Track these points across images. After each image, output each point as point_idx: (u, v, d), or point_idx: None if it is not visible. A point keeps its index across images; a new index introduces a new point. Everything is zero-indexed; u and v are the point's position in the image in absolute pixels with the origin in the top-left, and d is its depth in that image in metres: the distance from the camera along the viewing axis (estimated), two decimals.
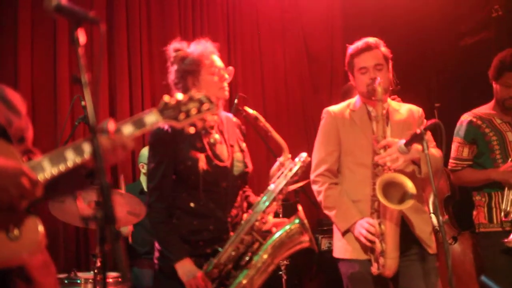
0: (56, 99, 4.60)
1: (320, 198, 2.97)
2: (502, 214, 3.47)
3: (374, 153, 2.81)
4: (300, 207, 2.72)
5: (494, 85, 3.61)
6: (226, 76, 2.72)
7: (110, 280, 3.77)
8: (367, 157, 2.87)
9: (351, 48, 2.99)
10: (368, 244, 2.78)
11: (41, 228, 1.76)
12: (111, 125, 1.78)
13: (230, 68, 2.77)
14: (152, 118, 1.84)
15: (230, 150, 2.75)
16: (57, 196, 2.64)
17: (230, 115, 2.92)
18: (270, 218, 2.72)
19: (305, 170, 2.82)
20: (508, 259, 3.42)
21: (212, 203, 2.67)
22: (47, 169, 1.70)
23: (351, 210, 2.90)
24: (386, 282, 2.86)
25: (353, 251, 2.92)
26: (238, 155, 2.77)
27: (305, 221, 2.66)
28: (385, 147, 2.75)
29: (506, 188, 3.48)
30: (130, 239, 4.32)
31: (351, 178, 2.97)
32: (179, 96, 1.88)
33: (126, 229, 4.26)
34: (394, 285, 2.91)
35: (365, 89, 2.90)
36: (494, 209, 3.55)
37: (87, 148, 1.72)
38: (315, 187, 3.01)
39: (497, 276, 3.44)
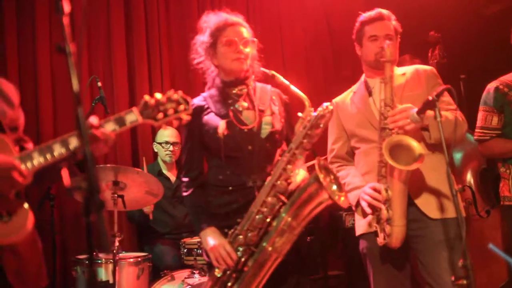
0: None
1: None
2: None
3: (382, 116, 2.72)
4: (317, 161, 2.48)
5: None
6: (243, 48, 2.65)
7: (131, 259, 3.81)
8: (368, 132, 2.83)
9: (363, 16, 2.96)
10: (371, 212, 2.69)
11: (30, 214, 1.98)
12: (95, 120, 1.96)
13: (254, 39, 2.73)
14: (132, 117, 2.02)
15: (258, 114, 2.67)
16: (47, 182, 2.86)
17: (268, 86, 2.83)
18: (298, 178, 2.59)
19: None
20: None
21: (238, 169, 2.61)
22: (35, 159, 1.90)
23: (357, 181, 2.84)
24: (398, 257, 2.75)
25: (362, 226, 2.86)
26: (267, 118, 2.68)
27: (321, 176, 2.43)
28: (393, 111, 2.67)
29: None
30: (151, 216, 4.33)
31: (358, 156, 2.94)
32: (158, 96, 2.03)
33: (148, 208, 4.26)
34: (407, 259, 2.81)
35: (373, 58, 2.87)
36: None
37: (73, 142, 1.91)
38: None
39: None
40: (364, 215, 2.82)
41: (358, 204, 2.81)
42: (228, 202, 2.62)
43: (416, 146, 2.55)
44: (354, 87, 3.05)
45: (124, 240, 4.47)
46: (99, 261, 3.73)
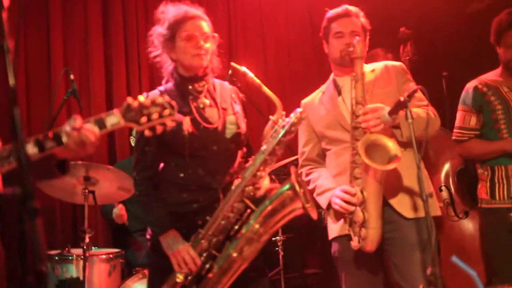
0: (50, 73, 4.52)
1: (308, 186, 2.87)
2: None
3: (353, 115, 2.65)
4: (293, 170, 2.46)
5: (498, 50, 3.40)
6: (203, 43, 2.55)
7: (103, 256, 3.75)
8: (338, 133, 2.76)
9: (330, 13, 2.90)
10: (344, 213, 2.62)
11: None
12: (77, 122, 1.86)
13: (215, 34, 2.62)
14: (113, 120, 1.90)
15: (222, 112, 2.59)
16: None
17: (226, 83, 2.76)
18: (265, 183, 2.54)
19: None
20: (510, 237, 3.19)
21: (201, 169, 2.50)
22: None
23: (328, 183, 2.77)
24: (371, 260, 2.69)
25: (335, 229, 2.79)
26: (231, 118, 2.60)
27: (297, 185, 2.40)
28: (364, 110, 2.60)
29: None
30: (126, 222, 4.26)
31: (329, 158, 2.87)
32: (141, 98, 1.91)
33: (116, 213, 4.20)
34: (379, 263, 2.76)
35: (338, 55, 2.79)
36: (497, 185, 3.30)
37: (48, 144, 1.82)
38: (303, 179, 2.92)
39: (499, 257, 3.28)
40: (336, 218, 2.76)
41: (329, 206, 2.74)
42: (187, 201, 2.51)
43: (392, 146, 2.50)
44: (323, 87, 2.97)
45: (98, 236, 4.42)
46: (70, 258, 3.68)
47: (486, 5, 4.71)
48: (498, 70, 3.46)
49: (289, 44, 5.75)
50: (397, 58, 4.10)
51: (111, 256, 3.76)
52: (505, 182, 3.29)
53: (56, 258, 3.68)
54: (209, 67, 2.61)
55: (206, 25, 2.59)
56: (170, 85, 2.62)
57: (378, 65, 2.88)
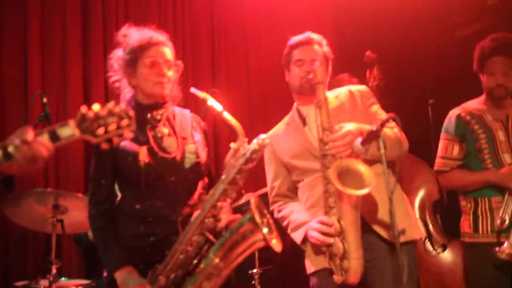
0: (27, 96, 4.41)
1: (282, 223, 2.78)
2: (498, 221, 3.05)
3: (321, 143, 2.54)
4: (253, 200, 2.33)
5: (481, 77, 3.29)
6: (167, 71, 2.46)
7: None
8: (309, 163, 2.66)
9: (292, 40, 2.84)
10: (323, 246, 2.49)
11: None
12: (29, 135, 1.69)
13: (178, 62, 2.53)
14: (67, 131, 1.71)
15: (181, 142, 2.49)
16: None
17: (187, 111, 2.66)
18: (226, 215, 2.42)
19: None
20: (495, 274, 3.02)
21: (158, 201, 2.40)
22: None
23: (301, 217, 2.66)
24: None
25: (313, 263, 2.67)
26: (190, 147, 2.50)
27: (257, 216, 2.27)
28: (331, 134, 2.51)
29: (507, 194, 3.06)
30: None
31: (301, 190, 2.76)
32: (96, 108, 1.72)
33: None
34: None
35: (298, 82, 2.74)
36: (480, 217, 3.14)
37: None
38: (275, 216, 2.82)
39: None
40: (314, 251, 2.63)
41: (304, 240, 2.63)
42: (145, 234, 2.40)
43: (365, 171, 2.38)
44: (285, 119, 2.90)
45: (71, 266, 4.28)
46: None
47: (474, 31, 4.63)
48: (482, 98, 3.35)
49: (273, 62, 5.65)
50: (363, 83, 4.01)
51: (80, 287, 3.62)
52: (488, 215, 3.14)
53: None
54: (169, 95, 2.52)
55: (169, 52, 2.51)
56: None
57: (342, 90, 2.82)
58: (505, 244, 2.93)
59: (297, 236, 2.67)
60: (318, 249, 2.58)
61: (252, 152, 2.34)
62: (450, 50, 4.79)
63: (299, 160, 2.72)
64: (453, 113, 3.35)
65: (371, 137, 2.34)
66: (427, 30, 4.84)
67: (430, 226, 3.93)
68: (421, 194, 4.02)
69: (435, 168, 3.38)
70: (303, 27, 2.87)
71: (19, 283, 3.63)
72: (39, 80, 4.45)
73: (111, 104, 1.74)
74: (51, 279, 3.39)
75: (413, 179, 4.02)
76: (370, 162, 2.49)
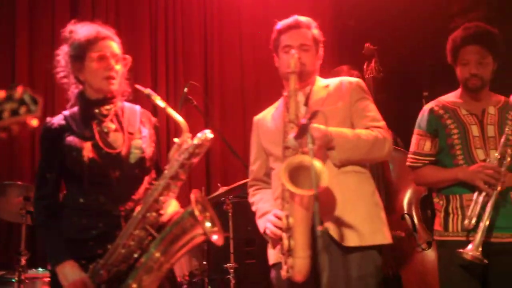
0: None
1: (252, 208, 2.77)
2: (466, 221, 2.89)
3: (286, 134, 2.48)
4: (193, 195, 2.31)
5: (456, 69, 3.14)
6: (114, 65, 2.47)
7: (44, 278, 3.68)
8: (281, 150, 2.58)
9: (279, 24, 2.74)
10: (275, 240, 2.47)
11: None
12: None
13: (127, 56, 2.55)
14: None
15: (127, 137, 2.50)
16: None
17: (137, 106, 2.66)
18: (170, 209, 2.45)
19: None
20: (463, 274, 2.89)
21: (102, 196, 2.42)
22: None
23: (265, 207, 2.64)
24: None
25: (272, 255, 2.64)
26: (137, 142, 2.50)
27: (196, 210, 2.27)
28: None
29: (477, 192, 2.92)
30: None
31: (273, 178, 2.71)
32: None
33: None
34: None
35: (285, 70, 2.63)
36: (451, 215, 2.99)
37: None
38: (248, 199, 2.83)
39: None
40: (272, 244, 2.60)
41: (265, 231, 2.58)
42: (87, 227, 2.41)
43: (319, 168, 2.26)
44: (276, 103, 2.84)
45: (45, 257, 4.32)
46: (13, 280, 3.60)
47: (469, 21, 4.46)
48: (458, 91, 3.21)
49: (269, 55, 5.61)
50: (362, 76, 3.91)
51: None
52: (459, 212, 2.99)
53: None
54: (118, 90, 2.53)
55: (117, 47, 2.53)
56: (75, 108, 2.54)
57: (334, 81, 2.75)
58: (469, 246, 2.80)
59: (260, 226, 2.64)
60: (274, 242, 2.55)
61: (195, 147, 2.36)
62: (446, 41, 4.64)
63: (274, 146, 2.66)
64: (426, 107, 3.22)
65: (302, 130, 2.24)
66: (422, 21, 4.70)
67: (416, 222, 3.80)
68: (410, 190, 3.90)
69: (407, 164, 3.26)
70: None
71: None
72: (26, 75, 4.50)
73: (12, 88, 1.50)
74: (20, 270, 3.43)
75: (404, 175, 3.89)
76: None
